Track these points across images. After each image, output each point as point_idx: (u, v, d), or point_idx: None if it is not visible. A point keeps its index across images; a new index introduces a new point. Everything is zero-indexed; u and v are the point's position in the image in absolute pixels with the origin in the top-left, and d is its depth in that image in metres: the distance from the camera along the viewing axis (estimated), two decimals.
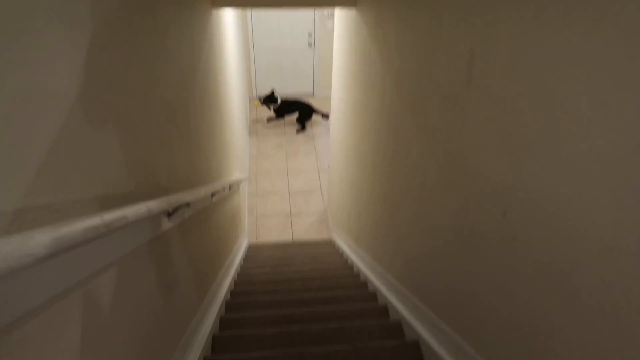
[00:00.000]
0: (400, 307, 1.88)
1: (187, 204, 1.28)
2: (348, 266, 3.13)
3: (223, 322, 1.96)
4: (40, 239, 0.44)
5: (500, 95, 0.99)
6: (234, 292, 2.47)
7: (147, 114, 1.07)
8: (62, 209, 0.63)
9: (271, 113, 6.55)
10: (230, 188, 2.80)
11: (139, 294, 0.97)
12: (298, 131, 6.48)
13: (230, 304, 2.23)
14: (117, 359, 0.84)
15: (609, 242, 0.71)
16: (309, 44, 6.83)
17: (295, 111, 6.43)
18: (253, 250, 4.16)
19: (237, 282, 2.73)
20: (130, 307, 0.91)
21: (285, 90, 7.10)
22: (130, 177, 0.92)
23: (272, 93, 6.20)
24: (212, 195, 2.01)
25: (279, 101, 6.22)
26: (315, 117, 6.61)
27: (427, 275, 1.58)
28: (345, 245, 3.62)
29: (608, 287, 0.72)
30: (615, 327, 0.72)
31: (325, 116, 6.38)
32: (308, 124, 6.56)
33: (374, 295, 2.29)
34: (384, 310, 2.04)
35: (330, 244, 4.37)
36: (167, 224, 1.19)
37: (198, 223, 1.75)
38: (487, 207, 1.09)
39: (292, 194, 5.40)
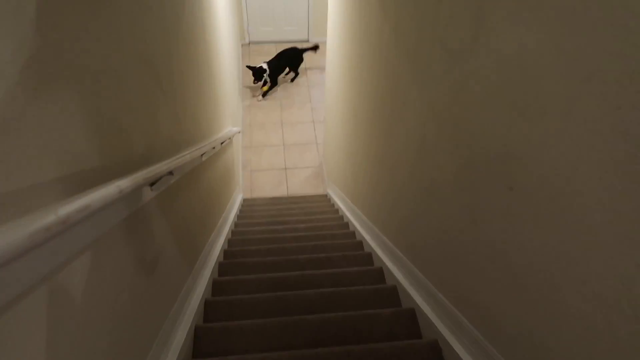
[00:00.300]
0: (395, 271, 1.84)
1: (170, 172, 1.18)
2: (343, 223, 3.09)
3: (216, 286, 1.92)
4: None
5: (512, 54, 0.87)
6: (227, 252, 2.42)
7: (121, 74, 0.95)
8: (12, 202, 0.53)
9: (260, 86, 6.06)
10: (222, 144, 2.69)
11: (117, 272, 0.89)
12: (293, 80, 6.24)
13: (224, 265, 2.19)
14: (96, 345, 0.78)
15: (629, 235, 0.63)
16: None
17: (287, 64, 6.06)
18: (247, 206, 4.11)
19: (231, 241, 2.68)
20: (107, 288, 0.84)
21: (278, 37, 6.79)
22: (101, 149, 0.81)
23: (254, 67, 5.68)
24: (202, 155, 1.90)
25: (266, 68, 5.72)
26: (309, 64, 6.37)
27: (422, 240, 1.51)
28: (340, 202, 3.56)
29: (628, 281, 0.65)
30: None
31: (315, 48, 6.01)
32: (303, 72, 6.32)
33: (369, 257, 2.25)
34: (380, 273, 2.00)
35: (325, 199, 4.32)
36: (149, 195, 1.10)
37: (186, 184, 1.65)
38: (491, 177, 1.00)
39: (287, 147, 5.29)
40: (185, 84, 1.71)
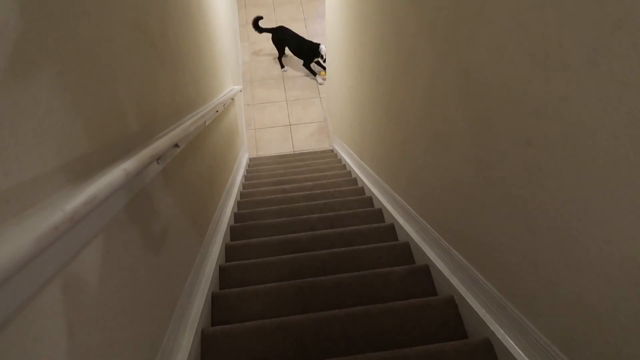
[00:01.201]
0: (407, 227, 1.84)
1: (176, 145, 1.15)
2: (351, 179, 3.07)
3: (229, 250, 1.94)
4: None
5: None
6: (237, 215, 2.43)
7: (115, 44, 0.89)
8: (14, 198, 0.50)
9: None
10: (224, 106, 2.63)
11: (128, 253, 0.88)
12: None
13: (235, 229, 2.20)
14: (115, 326, 0.78)
15: None
16: None
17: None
18: (254, 166, 4.09)
19: (241, 204, 2.68)
20: (119, 271, 0.83)
21: None
22: (102, 128, 0.78)
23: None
24: (205, 121, 1.86)
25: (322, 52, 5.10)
26: (308, 15, 6.13)
27: (433, 196, 1.49)
28: (347, 156, 3.53)
29: None
30: None
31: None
32: (301, 21, 6.08)
33: (379, 213, 2.25)
34: (391, 230, 2.00)
35: (331, 154, 4.29)
36: (155, 169, 1.08)
37: (191, 152, 1.62)
38: (507, 130, 0.95)
39: (290, 102, 5.19)
40: (182, 47, 1.64)
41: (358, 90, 2.81)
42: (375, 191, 2.44)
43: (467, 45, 1.09)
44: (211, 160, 2.10)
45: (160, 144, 0.94)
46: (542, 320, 0.95)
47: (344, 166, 3.58)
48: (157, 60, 1.22)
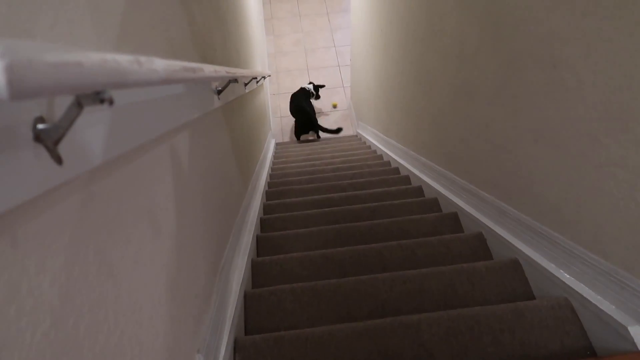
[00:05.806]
0: (435, 184, 1.94)
1: (235, 80, 1.29)
2: (377, 156, 3.18)
3: (267, 208, 2.07)
4: (159, 62, 0.47)
5: None
6: (271, 183, 2.57)
7: None
8: None
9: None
10: (257, 82, 2.77)
11: (203, 154, 1.02)
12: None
13: (270, 193, 2.33)
14: (199, 223, 0.91)
15: None
16: None
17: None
18: (281, 147, 4.23)
19: (273, 175, 2.82)
20: (198, 167, 0.96)
21: None
22: (191, 46, 0.93)
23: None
24: (245, 85, 2.00)
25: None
26: (330, 7, 6.26)
27: (460, 145, 1.59)
28: (372, 138, 3.64)
29: None
30: None
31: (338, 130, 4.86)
32: (324, 15, 6.22)
33: (407, 179, 2.35)
34: (419, 190, 2.11)
35: (355, 139, 4.40)
36: (217, 102, 1.21)
37: (239, 109, 1.77)
38: (534, 61, 1.06)
39: None
40: (230, 13, 1.79)
41: (383, 70, 2.92)
42: (402, 161, 2.54)
43: None
44: (250, 127, 2.24)
45: (223, 69, 1.07)
46: (569, 227, 1.04)
47: (369, 147, 3.69)
48: (213, 17, 1.37)
